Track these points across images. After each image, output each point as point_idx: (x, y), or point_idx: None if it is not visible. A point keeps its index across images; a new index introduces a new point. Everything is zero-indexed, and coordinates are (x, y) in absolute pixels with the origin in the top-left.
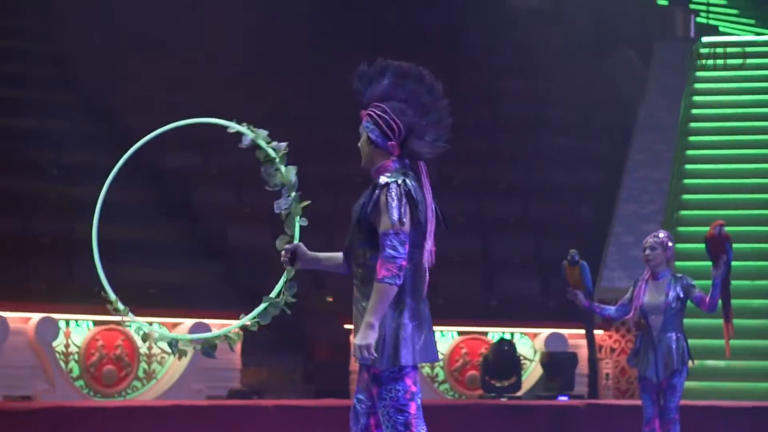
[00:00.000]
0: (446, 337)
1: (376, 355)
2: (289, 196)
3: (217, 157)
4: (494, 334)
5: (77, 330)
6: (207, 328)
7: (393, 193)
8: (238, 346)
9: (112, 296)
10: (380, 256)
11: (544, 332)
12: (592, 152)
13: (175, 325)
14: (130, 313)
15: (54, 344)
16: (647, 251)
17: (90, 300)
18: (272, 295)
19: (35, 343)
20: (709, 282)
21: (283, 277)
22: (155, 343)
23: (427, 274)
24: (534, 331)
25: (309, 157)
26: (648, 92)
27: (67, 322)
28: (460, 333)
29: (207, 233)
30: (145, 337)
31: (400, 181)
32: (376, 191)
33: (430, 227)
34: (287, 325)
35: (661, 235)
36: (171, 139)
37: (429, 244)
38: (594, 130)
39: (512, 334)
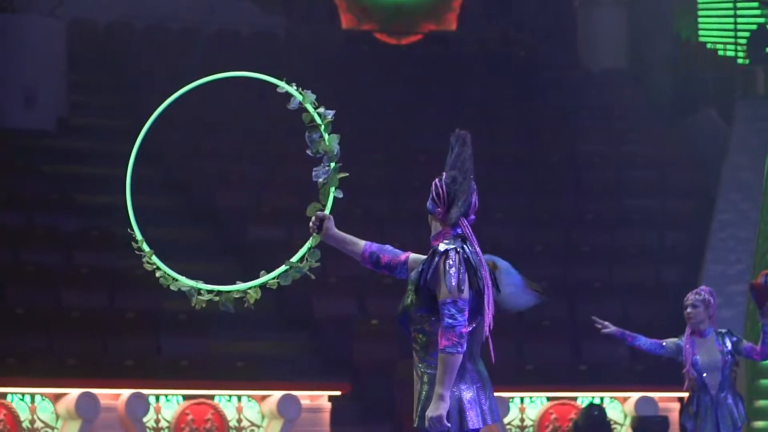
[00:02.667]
0: (535, 403)
1: (449, 425)
2: (328, 165)
3: (300, 230)
4: (584, 399)
5: (167, 405)
6: (296, 401)
7: (451, 261)
8: (326, 416)
9: (139, 236)
10: (440, 325)
11: (633, 396)
12: (676, 213)
13: (263, 397)
14: (153, 256)
15: (144, 420)
16: (689, 309)
17: (179, 374)
18: (295, 259)
19: (126, 419)
20: None
21: (307, 243)
22: (174, 288)
23: (490, 339)
24: (624, 395)
25: (388, 223)
26: (731, 151)
27: (157, 397)
28: (549, 398)
29: (292, 304)
30: (165, 281)
31: (458, 248)
32: (435, 258)
33: (488, 293)
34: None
35: (703, 292)
36: (255, 212)
37: (488, 310)
38: (677, 191)
39: (602, 398)
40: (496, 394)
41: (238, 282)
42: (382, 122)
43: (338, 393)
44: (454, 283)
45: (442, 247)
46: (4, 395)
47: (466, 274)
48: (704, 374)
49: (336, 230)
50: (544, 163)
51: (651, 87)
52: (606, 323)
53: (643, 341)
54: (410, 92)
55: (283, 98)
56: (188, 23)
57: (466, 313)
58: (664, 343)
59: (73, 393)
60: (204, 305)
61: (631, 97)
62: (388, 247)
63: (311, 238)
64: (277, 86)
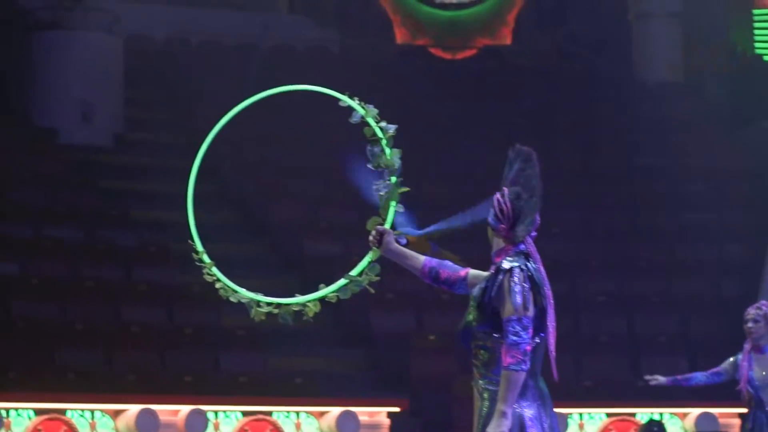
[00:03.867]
0: (594, 420)
1: None
2: (389, 179)
3: (358, 244)
4: (643, 415)
5: (226, 421)
6: (354, 417)
7: (516, 278)
8: None
9: (200, 247)
10: (504, 342)
11: (694, 412)
12: (734, 226)
13: (322, 413)
14: (214, 267)
15: None
16: (749, 324)
17: (238, 390)
18: (354, 273)
19: None
20: None
21: (367, 257)
22: (234, 300)
23: (552, 356)
24: (684, 410)
25: (444, 238)
26: None
27: (216, 413)
28: (608, 415)
29: (350, 319)
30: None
31: (522, 266)
32: (499, 276)
33: (551, 310)
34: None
35: (764, 306)
36: (312, 227)
37: (551, 327)
38: (735, 203)
39: (661, 414)
40: (554, 410)
41: (296, 295)
42: (437, 136)
43: (396, 409)
44: (519, 301)
45: (506, 264)
46: (63, 411)
47: (531, 292)
48: (760, 391)
49: (395, 245)
50: (600, 176)
51: (707, 99)
52: (656, 377)
53: (700, 377)
54: (465, 106)
55: (341, 112)
56: (243, 39)
57: (530, 330)
58: (720, 370)
59: (133, 409)
60: (263, 317)
61: (688, 109)
62: (447, 262)
63: (371, 252)
64: (339, 100)
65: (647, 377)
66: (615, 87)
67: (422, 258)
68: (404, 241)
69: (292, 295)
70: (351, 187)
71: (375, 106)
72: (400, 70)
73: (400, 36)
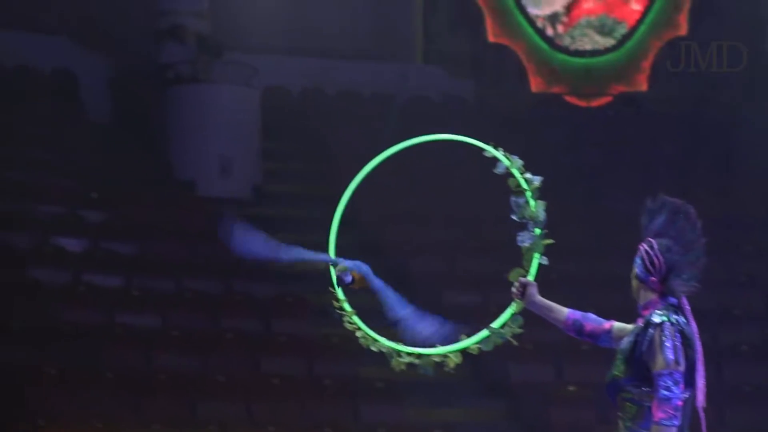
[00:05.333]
0: None
1: None
2: (533, 231)
3: (497, 294)
4: None
5: None
6: None
7: (667, 333)
8: None
9: (342, 296)
10: (655, 397)
11: None
12: None
13: None
14: (355, 316)
15: None
16: None
17: None
18: (496, 325)
19: None
20: None
21: (509, 309)
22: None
23: (701, 411)
24: None
25: (583, 287)
26: None
27: None
28: None
29: (489, 370)
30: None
31: (673, 320)
32: (649, 330)
33: (701, 366)
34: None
35: None
36: (450, 276)
37: (701, 383)
38: None
39: None
40: None
41: (437, 345)
42: (573, 184)
43: None
44: (671, 356)
45: (656, 318)
46: None
47: (682, 346)
48: None
49: (539, 297)
50: (740, 223)
51: None
52: None
53: None
54: (601, 153)
55: (480, 161)
56: (379, 89)
57: (682, 385)
58: None
59: None
60: (403, 367)
61: None
62: (591, 315)
63: (513, 304)
64: (482, 150)
65: None
66: (757, 132)
67: (565, 311)
68: (349, 278)
69: (430, 345)
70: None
71: (510, 154)
72: (535, 119)
73: (535, 84)
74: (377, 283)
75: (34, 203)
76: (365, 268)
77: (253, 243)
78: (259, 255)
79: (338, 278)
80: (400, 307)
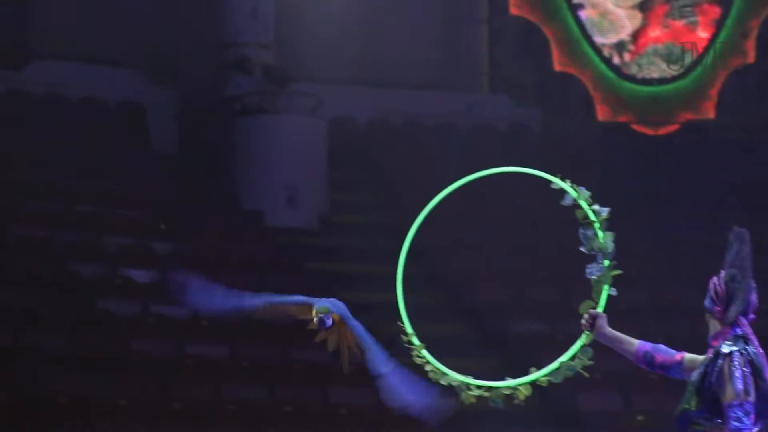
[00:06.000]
0: None
1: None
2: (602, 263)
3: (563, 325)
4: None
5: None
6: None
7: (736, 363)
8: None
9: (410, 329)
10: (726, 428)
11: None
12: None
13: None
14: (424, 350)
15: None
16: None
17: None
18: (566, 357)
19: None
20: None
21: (579, 341)
22: (444, 383)
23: None
24: None
25: (650, 316)
26: None
27: None
28: None
29: (557, 399)
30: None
31: (742, 350)
32: (719, 360)
33: None
34: None
35: None
36: (516, 307)
37: None
38: None
39: None
40: None
41: (506, 378)
42: (640, 213)
43: None
44: (740, 387)
45: (725, 348)
46: None
47: (752, 376)
48: None
49: (609, 329)
50: None
51: None
52: None
53: None
54: (669, 182)
55: (546, 192)
56: (444, 119)
57: (753, 416)
58: None
59: None
60: (473, 401)
61: None
62: (662, 346)
63: (583, 336)
64: (550, 182)
65: None
66: None
67: (636, 342)
68: (330, 321)
69: (497, 376)
70: (555, 266)
71: (577, 184)
72: (602, 147)
73: (602, 113)
74: (356, 325)
75: (103, 234)
76: (343, 307)
77: (210, 296)
78: (217, 308)
79: (319, 320)
80: (381, 362)
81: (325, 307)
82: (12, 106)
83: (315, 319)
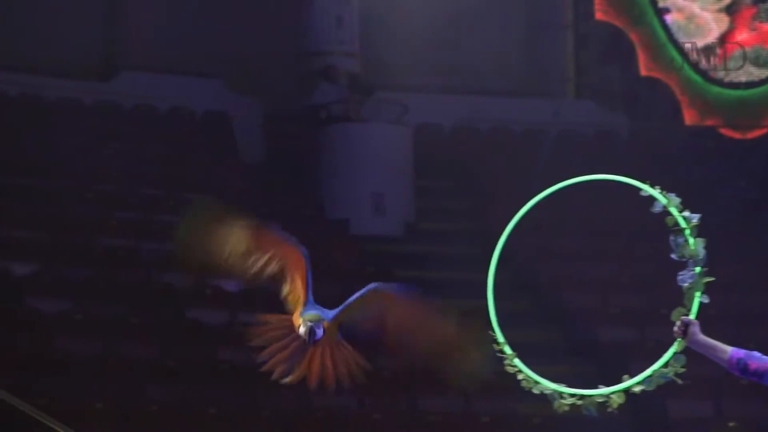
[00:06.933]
0: None
1: None
2: (694, 270)
3: (651, 331)
4: None
5: None
6: None
7: None
8: None
9: (501, 338)
10: None
11: None
12: None
13: None
14: (516, 359)
15: None
16: None
17: None
18: (658, 365)
19: None
20: None
21: (672, 348)
22: (536, 391)
23: None
24: None
25: (743, 322)
26: None
27: None
28: None
29: (646, 406)
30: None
31: None
32: None
33: None
34: None
35: None
36: (604, 313)
37: None
38: None
39: None
40: None
41: (598, 386)
42: (729, 218)
43: None
44: None
45: None
46: None
47: None
48: None
49: (702, 336)
50: None
51: None
52: None
53: None
54: (757, 186)
55: (628, 198)
56: (531, 125)
57: None
58: None
59: None
60: (566, 409)
61: None
62: (756, 353)
63: (676, 343)
64: (640, 189)
65: None
66: None
67: (729, 349)
68: (321, 332)
69: (587, 383)
70: (642, 273)
71: (665, 189)
72: (689, 152)
73: (689, 117)
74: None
75: None
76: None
77: None
78: None
79: (311, 331)
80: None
81: (316, 315)
82: (100, 117)
83: (302, 329)
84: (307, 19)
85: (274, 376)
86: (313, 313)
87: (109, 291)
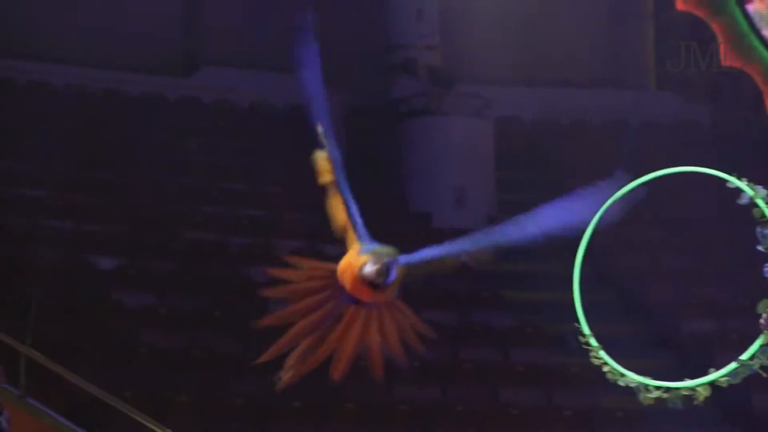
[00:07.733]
0: None
1: None
2: None
3: (734, 322)
4: None
5: None
6: None
7: None
8: None
9: (587, 330)
10: None
11: None
12: None
13: None
14: (601, 351)
15: None
16: None
17: None
18: (745, 357)
19: None
20: None
21: (758, 341)
22: (622, 383)
23: None
24: None
25: None
26: None
27: None
28: None
29: (730, 398)
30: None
31: None
32: None
33: None
34: None
35: None
36: (687, 305)
37: None
38: None
39: None
40: None
41: (684, 378)
42: None
43: None
44: None
45: None
46: None
47: None
48: None
49: None
50: None
51: None
52: None
53: None
54: None
55: (709, 188)
56: (611, 117)
57: None
58: None
59: None
60: (651, 401)
61: None
62: None
63: (762, 336)
64: (726, 181)
65: None
66: None
67: None
68: (394, 276)
69: (666, 376)
70: (724, 265)
71: (750, 180)
72: None
73: None
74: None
75: (273, 238)
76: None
77: None
78: None
79: (386, 270)
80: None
81: (392, 250)
82: (182, 112)
83: (370, 267)
84: (387, 13)
85: (298, 350)
86: (387, 248)
87: (193, 284)
